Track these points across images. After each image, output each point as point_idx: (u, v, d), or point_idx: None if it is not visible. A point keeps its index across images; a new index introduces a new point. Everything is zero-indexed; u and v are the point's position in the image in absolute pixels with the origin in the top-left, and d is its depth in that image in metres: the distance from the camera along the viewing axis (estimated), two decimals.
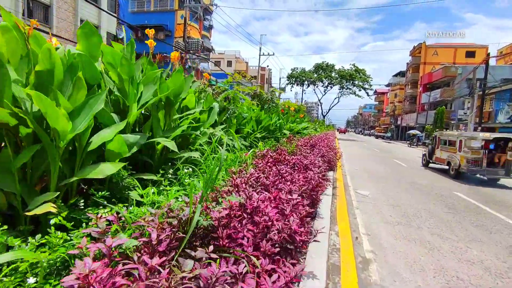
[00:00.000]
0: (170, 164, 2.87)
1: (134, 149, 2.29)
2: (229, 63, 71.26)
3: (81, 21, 20.62)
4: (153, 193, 2.24)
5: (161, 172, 2.55)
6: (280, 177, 2.76)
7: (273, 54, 50.97)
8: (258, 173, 2.63)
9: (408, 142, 37.54)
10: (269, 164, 3.12)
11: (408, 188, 8.91)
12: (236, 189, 2.24)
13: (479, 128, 23.46)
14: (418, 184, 9.68)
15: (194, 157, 2.94)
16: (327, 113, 55.41)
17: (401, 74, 74.61)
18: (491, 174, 10.88)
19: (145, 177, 2.39)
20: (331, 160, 5.22)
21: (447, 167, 12.25)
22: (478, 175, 11.34)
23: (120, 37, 26.00)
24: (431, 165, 14.23)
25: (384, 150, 25.27)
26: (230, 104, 4.47)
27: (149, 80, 2.73)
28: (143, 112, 3.03)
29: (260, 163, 3.10)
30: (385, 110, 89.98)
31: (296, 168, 3.35)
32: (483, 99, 22.51)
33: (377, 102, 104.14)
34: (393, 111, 65.03)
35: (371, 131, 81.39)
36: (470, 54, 49.75)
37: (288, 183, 2.65)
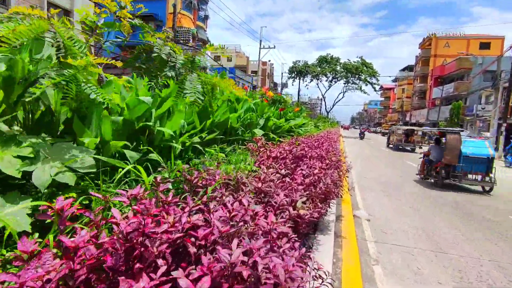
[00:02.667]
0: None
1: None
2: (229, 58, 68.64)
3: (48, 3, 18.12)
4: None
5: None
6: None
7: (274, 47, 48.26)
8: None
9: None
10: None
11: (440, 209, 6.25)
12: None
13: (504, 125, 20.58)
14: (450, 202, 7.02)
15: None
16: (331, 109, 52.47)
17: (409, 68, 71.33)
18: (407, 147, 21.48)
19: None
20: (331, 191, 2.65)
21: (392, 145, 22.60)
22: (405, 148, 21.63)
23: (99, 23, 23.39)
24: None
25: (392, 151, 22.51)
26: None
27: None
28: None
29: None
30: (392, 106, 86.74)
31: None
32: (510, 92, 19.60)
33: (383, 98, 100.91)
34: (401, 107, 61.87)
35: (377, 128, 78.34)
36: (485, 45, 46.41)
37: None
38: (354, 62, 46.41)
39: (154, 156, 2.29)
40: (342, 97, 51.03)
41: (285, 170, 2.46)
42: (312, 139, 6.11)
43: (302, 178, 2.37)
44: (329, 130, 17.91)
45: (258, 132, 4.34)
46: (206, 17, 43.53)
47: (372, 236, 4.57)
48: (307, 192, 2.18)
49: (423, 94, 54.12)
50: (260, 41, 45.50)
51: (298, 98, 28.62)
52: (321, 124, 19.65)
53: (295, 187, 2.04)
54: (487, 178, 8.17)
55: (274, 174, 2.21)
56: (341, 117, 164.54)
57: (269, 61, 75.41)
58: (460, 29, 47.10)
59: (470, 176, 8.41)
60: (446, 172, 8.42)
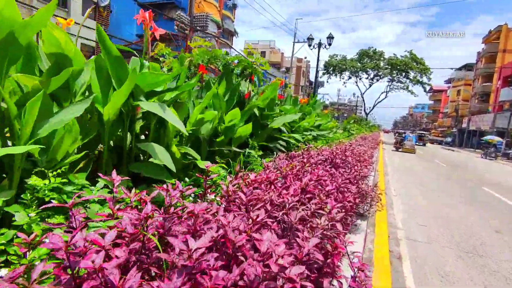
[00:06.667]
0: None
1: None
2: (263, 54, 65.42)
3: None
4: None
5: None
6: None
7: (308, 41, 43.30)
8: None
9: (483, 152, 27.97)
10: None
11: None
12: None
13: None
14: None
15: None
16: (371, 110, 46.38)
17: (467, 67, 62.05)
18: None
19: None
20: None
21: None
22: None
23: (103, 4, 21.05)
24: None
25: (453, 164, 17.12)
26: None
27: None
28: None
29: None
30: (443, 110, 77.01)
31: None
32: None
33: (432, 102, 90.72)
34: (456, 111, 53.46)
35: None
36: None
37: None
38: (401, 57, 40.15)
39: None
40: (385, 98, 44.74)
41: None
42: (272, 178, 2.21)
43: None
44: (364, 135, 13.32)
45: None
46: (234, 6, 40.23)
47: None
48: None
49: (485, 96, 45.82)
50: (295, 34, 40.48)
51: (315, 89, 23.67)
52: (354, 127, 14.98)
53: None
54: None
55: None
56: (383, 121, 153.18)
57: (305, 58, 70.57)
58: None
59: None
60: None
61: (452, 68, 61.93)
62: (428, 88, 45.26)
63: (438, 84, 78.91)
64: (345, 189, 2.24)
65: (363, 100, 46.88)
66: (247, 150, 2.97)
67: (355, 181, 2.84)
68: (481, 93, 45.79)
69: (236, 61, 4.26)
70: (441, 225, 5.47)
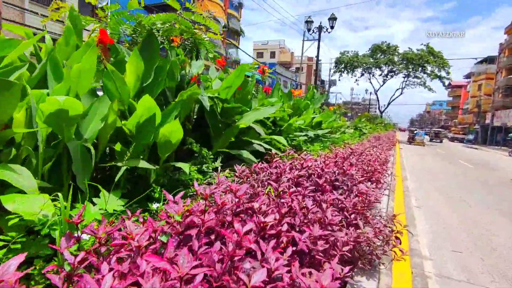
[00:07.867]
0: None
1: None
2: (273, 54, 64.54)
3: None
4: None
5: None
6: None
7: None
8: None
9: (510, 149, 25.70)
10: None
11: None
12: None
13: None
14: None
15: None
16: (386, 108, 44.16)
17: (488, 60, 58.66)
18: (437, 140, 41.29)
19: None
20: None
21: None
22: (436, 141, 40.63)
23: (100, 5, 20.33)
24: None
25: (479, 164, 15.36)
26: None
27: None
28: None
29: None
30: (463, 106, 73.35)
31: None
32: None
33: (451, 98, 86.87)
34: (478, 107, 50.45)
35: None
36: None
37: None
38: (417, 50, 37.96)
39: None
40: (400, 94, 42.58)
41: None
42: None
43: None
44: (378, 135, 11.92)
45: None
46: (240, 5, 39.28)
47: None
48: None
49: (509, 90, 42.86)
50: (304, 32, 38.98)
51: (316, 79, 22.25)
52: (367, 125, 13.59)
53: None
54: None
55: None
56: (398, 119, 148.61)
57: (316, 56, 68.72)
58: None
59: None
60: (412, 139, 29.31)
61: (475, 58, 58.82)
62: (447, 83, 42.64)
63: (457, 80, 75.54)
64: (328, 248, 1.07)
65: (377, 98, 44.82)
66: (179, 164, 1.84)
67: (354, 214, 1.66)
68: (505, 87, 42.86)
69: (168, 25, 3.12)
70: (482, 250, 4.12)
